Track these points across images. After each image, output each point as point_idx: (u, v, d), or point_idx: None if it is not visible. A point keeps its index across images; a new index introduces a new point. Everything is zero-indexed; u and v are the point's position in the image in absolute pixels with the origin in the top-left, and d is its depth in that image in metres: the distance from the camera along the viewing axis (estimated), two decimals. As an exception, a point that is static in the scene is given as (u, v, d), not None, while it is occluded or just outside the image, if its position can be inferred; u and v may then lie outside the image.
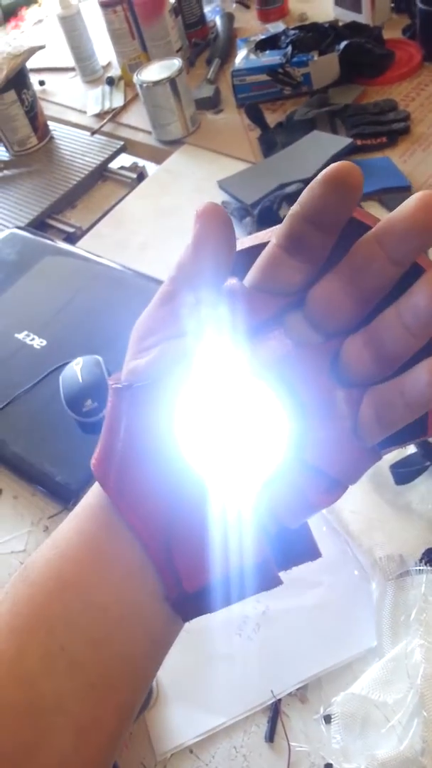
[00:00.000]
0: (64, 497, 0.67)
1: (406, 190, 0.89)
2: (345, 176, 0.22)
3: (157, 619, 0.27)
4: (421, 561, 0.53)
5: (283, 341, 0.26)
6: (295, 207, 0.24)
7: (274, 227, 0.26)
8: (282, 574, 0.27)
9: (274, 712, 0.52)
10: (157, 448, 0.26)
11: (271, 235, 0.26)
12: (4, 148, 1.24)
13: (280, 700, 0.52)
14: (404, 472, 0.58)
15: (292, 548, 0.27)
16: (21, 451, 0.71)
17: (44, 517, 0.69)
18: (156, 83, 1.04)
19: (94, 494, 0.28)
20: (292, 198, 0.90)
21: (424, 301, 0.23)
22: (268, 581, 0.27)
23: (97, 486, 0.28)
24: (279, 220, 0.26)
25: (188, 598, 0.26)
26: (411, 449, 0.60)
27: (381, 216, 0.24)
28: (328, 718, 0.49)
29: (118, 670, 0.26)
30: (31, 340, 0.80)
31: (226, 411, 0.26)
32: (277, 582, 0.27)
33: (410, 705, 0.46)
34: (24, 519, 0.69)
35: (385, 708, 0.47)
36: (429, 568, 0.51)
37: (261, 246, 0.26)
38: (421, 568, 0.51)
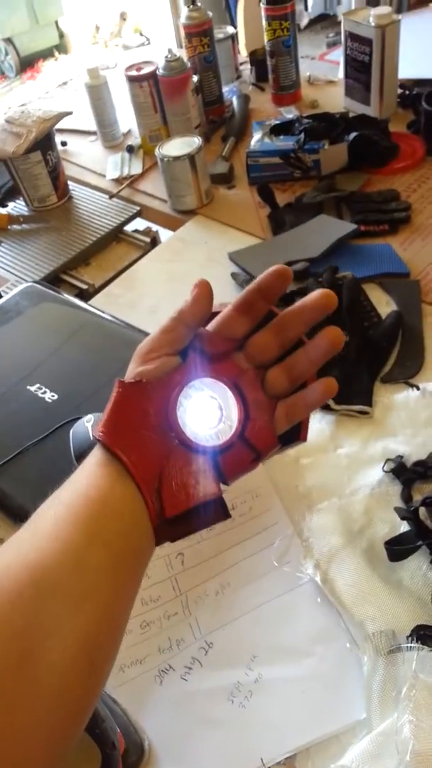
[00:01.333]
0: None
1: (405, 276, 0.95)
2: (285, 273, 0.42)
3: (150, 534, 0.39)
4: (410, 637, 0.56)
5: (233, 367, 0.43)
6: (252, 284, 0.42)
7: (231, 301, 0.43)
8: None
9: (263, 780, 0.53)
10: (158, 420, 0.40)
11: (227, 306, 0.44)
12: (24, 203, 1.29)
13: (269, 768, 0.53)
14: (398, 550, 0.61)
15: (220, 506, 0.40)
16: (27, 503, 0.73)
17: (44, 569, 0.70)
18: (176, 158, 1.10)
19: (97, 454, 0.39)
20: (298, 275, 0.95)
21: (325, 344, 0.42)
22: (220, 514, 0.40)
23: (97, 450, 0.39)
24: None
25: (167, 522, 0.38)
26: (404, 528, 0.63)
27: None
28: (316, 790, 0.51)
29: (132, 556, 0.38)
30: (42, 393, 0.83)
31: (201, 400, 0.42)
32: (227, 515, 0.41)
33: (396, 781, 0.48)
34: (24, 570, 0.71)
35: (373, 782, 0.49)
36: (419, 645, 0.54)
37: (219, 312, 0.44)
38: (412, 645, 0.54)
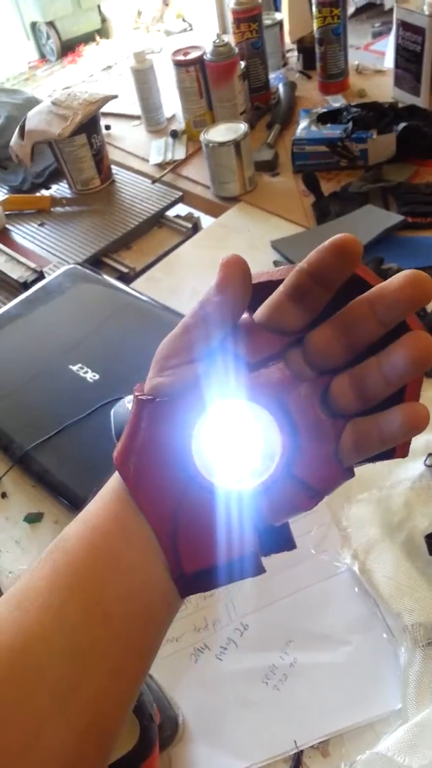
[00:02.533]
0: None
1: (451, 270, 0.94)
2: (348, 246, 0.27)
3: (169, 590, 0.32)
4: (448, 631, 0.55)
5: (283, 372, 0.31)
6: (302, 264, 0.29)
7: (287, 266, 0.31)
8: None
9: (296, 762, 0.53)
10: (170, 452, 0.31)
11: (284, 273, 0.30)
12: (67, 185, 1.30)
13: (302, 751, 0.54)
14: (438, 544, 0.60)
15: (276, 540, 0.33)
16: (66, 479, 0.74)
17: (82, 545, 0.71)
18: (221, 144, 1.10)
19: (117, 480, 0.32)
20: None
21: (401, 360, 0.28)
22: (254, 569, 0.31)
23: (118, 476, 0.32)
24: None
25: (187, 578, 0.31)
26: (446, 522, 0.63)
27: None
28: (349, 775, 0.51)
29: (141, 623, 0.31)
30: (84, 373, 0.84)
31: (230, 427, 0.32)
32: (261, 570, 0.32)
33: (432, 771, 0.48)
34: (63, 545, 0.72)
35: (407, 771, 0.49)
36: (459, 639, 0.53)
37: (274, 282, 0.31)
38: (452, 638, 0.53)
